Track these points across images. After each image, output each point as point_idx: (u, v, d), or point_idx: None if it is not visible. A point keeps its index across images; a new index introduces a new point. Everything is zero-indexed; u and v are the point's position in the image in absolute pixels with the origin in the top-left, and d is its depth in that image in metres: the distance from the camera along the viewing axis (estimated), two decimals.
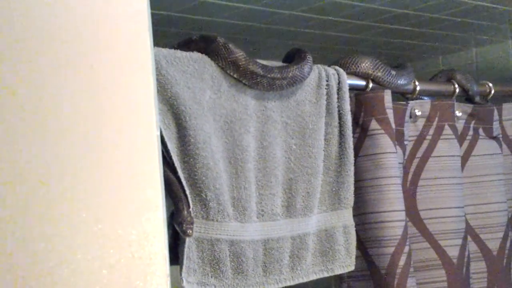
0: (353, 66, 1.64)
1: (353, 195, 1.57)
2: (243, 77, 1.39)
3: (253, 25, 1.79)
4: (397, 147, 1.64)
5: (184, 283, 1.30)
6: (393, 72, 1.67)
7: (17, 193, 0.89)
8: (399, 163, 1.66)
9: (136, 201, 0.97)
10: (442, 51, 2.28)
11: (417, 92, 1.76)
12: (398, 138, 1.66)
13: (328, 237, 1.53)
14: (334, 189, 1.55)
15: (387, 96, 1.62)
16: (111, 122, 0.96)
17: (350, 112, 1.58)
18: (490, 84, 1.93)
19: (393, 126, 1.62)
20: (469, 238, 1.80)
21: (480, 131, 1.88)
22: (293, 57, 1.51)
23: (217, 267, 1.35)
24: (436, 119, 1.76)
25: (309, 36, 1.93)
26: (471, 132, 1.87)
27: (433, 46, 2.20)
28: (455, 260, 1.71)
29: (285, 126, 1.47)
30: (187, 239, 1.31)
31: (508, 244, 1.86)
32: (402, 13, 1.79)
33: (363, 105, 1.62)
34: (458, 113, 1.83)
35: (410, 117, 1.74)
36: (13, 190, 0.88)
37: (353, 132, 1.58)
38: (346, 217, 1.56)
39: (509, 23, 1.98)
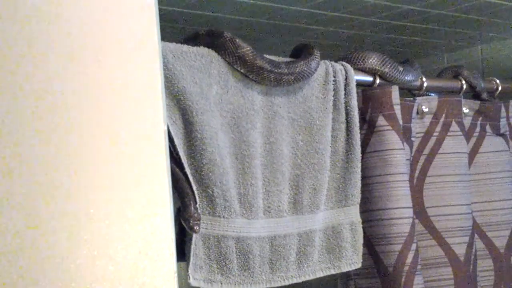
0: (360, 61, 1.63)
1: (360, 192, 1.56)
2: (250, 72, 1.38)
3: (258, 21, 1.78)
4: (404, 143, 1.63)
5: (191, 280, 1.30)
6: (401, 68, 1.66)
7: (23, 187, 0.88)
8: (406, 159, 1.65)
9: (143, 196, 0.96)
10: (447, 48, 2.28)
11: (424, 88, 1.75)
12: (405, 134, 1.65)
13: (335, 234, 1.52)
14: (341, 185, 1.54)
15: (395, 92, 1.61)
16: (117, 117, 0.95)
17: (357, 108, 1.57)
18: (497, 81, 1.93)
19: (401, 122, 1.61)
20: (476, 235, 1.78)
21: (487, 128, 1.87)
22: (300, 53, 1.51)
23: (223, 263, 1.34)
24: (443, 115, 1.75)
25: (314, 32, 1.92)
26: (478, 129, 1.86)
27: (438, 43, 2.20)
28: (462, 258, 1.70)
29: (292, 122, 1.46)
30: (194, 236, 1.30)
31: None
32: (407, 9, 1.78)
33: (370, 101, 1.61)
34: (465, 110, 1.83)
35: (417, 113, 1.74)
36: (19, 185, 0.88)
37: (360, 128, 1.58)
38: (353, 214, 1.55)
39: None
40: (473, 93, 1.90)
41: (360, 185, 1.56)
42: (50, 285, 0.88)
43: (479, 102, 1.88)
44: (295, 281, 1.45)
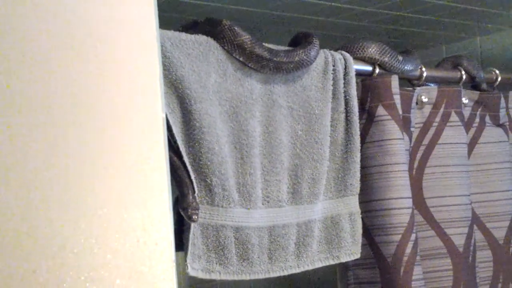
0: (359, 51, 1.62)
1: (359, 182, 1.56)
2: (249, 60, 1.37)
3: (256, 11, 1.77)
4: (404, 133, 1.63)
5: (189, 270, 1.29)
6: (400, 58, 1.66)
7: (21, 176, 0.87)
8: (406, 150, 1.64)
9: (142, 185, 0.95)
10: (446, 39, 2.27)
11: (423, 78, 1.74)
12: (405, 124, 1.65)
13: (334, 224, 1.52)
14: (340, 175, 1.53)
15: (394, 81, 1.61)
16: (116, 105, 0.95)
17: (356, 98, 1.56)
18: (497, 71, 1.92)
19: (400, 112, 1.60)
20: (475, 226, 1.78)
21: (487, 118, 1.86)
22: (299, 41, 1.50)
23: (222, 253, 1.33)
24: (443, 105, 1.75)
25: (312, 22, 1.91)
26: (477, 120, 1.85)
27: (437, 34, 2.19)
28: (461, 249, 1.70)
29: (290, 111, 1.46)
30: (192, 225, 1.29)
31: None
32: None
33: (369, 91, 1.61)
34: (464, 100, 1.82)
35: (417, 103, 1.73)
36: (17, 174, 0.87)
37: (360, 118, 1.57)
38: (352, 204, 1.55)
39: None
40: (473, 84, 1.90)
41: (359, 175, 1.56)
42: (48, 274, 0.88)
43: (478, 92, 1.88)
44: (294, 271, 1.45)
